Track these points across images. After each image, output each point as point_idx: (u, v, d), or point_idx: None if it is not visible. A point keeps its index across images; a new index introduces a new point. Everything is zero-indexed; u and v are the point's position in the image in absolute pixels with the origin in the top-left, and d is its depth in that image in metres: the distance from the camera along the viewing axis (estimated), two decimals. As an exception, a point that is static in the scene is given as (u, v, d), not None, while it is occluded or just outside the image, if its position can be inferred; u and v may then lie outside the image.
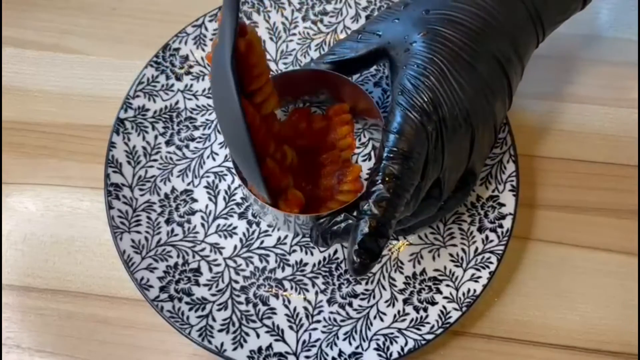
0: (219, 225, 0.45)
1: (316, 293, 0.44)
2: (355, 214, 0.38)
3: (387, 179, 0.35)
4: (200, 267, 0.44)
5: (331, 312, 0.43)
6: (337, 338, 0.42)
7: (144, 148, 0.47)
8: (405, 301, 0.43)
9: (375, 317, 0.43)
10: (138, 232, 0.45)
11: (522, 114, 0.50)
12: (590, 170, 0.48)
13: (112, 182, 0.45)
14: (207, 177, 0.47)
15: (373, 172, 0.36)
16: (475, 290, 0.43)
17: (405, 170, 0.35)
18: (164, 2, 0.54)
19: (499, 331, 0.44)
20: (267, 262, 0.44)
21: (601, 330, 0.43)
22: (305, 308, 0.43)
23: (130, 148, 0.47)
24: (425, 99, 0.36)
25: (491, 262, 0.43)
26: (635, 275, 0.45)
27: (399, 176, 0.35)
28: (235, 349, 0.42)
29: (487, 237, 0.44)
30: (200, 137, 0.48)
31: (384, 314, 0.43)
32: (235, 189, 0.46)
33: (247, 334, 0.42)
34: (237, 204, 0.46)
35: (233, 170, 0.41)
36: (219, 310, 0.43)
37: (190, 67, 0.50)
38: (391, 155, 0.35)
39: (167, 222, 0.45)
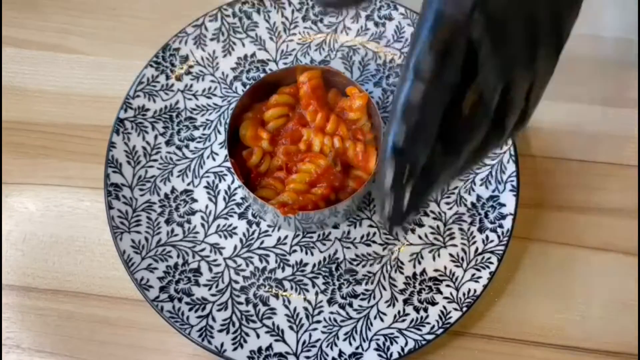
0: (219, 226, 0.45)
1: (316, 293, 0.44)
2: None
3: (417, 78, 0.27)
4: (200, 267, 0.44)
5: (331, 312, 0.43)
6: (337, 338, 0.42)
7: (144, 148, 0.47)
8: (405, 301, 0.43)
9: (375, 318, 0.43)
10: (138, 232, 0.44)
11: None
12: (590, 170, 0.48)
13: (112, 182, 0.45)
14: (207, 177, 0.47)
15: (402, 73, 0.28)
16: (475, 291, 0.43)
17: (439, 72, 0.27)
18: (164, 2, 0.54)
19: (499, 331, 0.44)
20: (267, 262, 0.44)
21: (601, 330, 0.43)
22: (305, 308, 0.43)
23: (130, 148, 0.47)
24: None
25: (491, 262, 0.43)
26: (635, 275, 0.45)
27: (431, 80, 0.27)
28: (235, 349, 0.42)
29: (487, 237, 0.44)
30: (200, 137, 0.48)
31: (384, 314, 0.43)
32: (235, 189, 0.46)
33: (247, 334, 0.42)
34: (237, 204, 0.46)
35: (233, 170, 0.41)
36: (219, 310, 0.43)
37: (190, 67, 0.50)
38: (426, 48, 0.27)
39: (167, 222, 0.45)
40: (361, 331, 0.42)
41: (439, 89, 0.28)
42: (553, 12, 0.29)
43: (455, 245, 0.44)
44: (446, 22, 0.27)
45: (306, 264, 0.44)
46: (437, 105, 0.28)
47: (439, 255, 0.44)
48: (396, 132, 0.28)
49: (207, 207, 0.46)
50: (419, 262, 0.44)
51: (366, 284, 0.44)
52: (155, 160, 0.47)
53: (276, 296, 0.44)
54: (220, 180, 0.47)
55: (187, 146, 0.48)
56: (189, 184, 0.47)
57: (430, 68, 0.27)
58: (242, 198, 0.46)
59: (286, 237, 0.45)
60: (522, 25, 0.28)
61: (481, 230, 0.45)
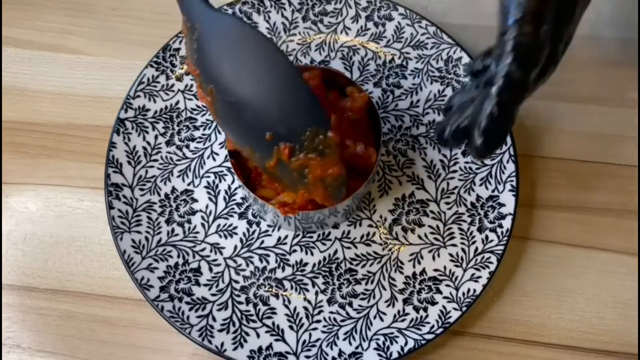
0: (219, 225, 0.45)
1: (316, 293, 0.44)
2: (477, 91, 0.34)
3: (519, 46, 0.31)
4: (200, 267, 0.44)
5: (331, 312, 0.43)
6: (337, 338, 0.42)
7: (145, 148, 0.47)
8: (405, 301, 0.43)
9: (375, 317, 0.43)
10: (138, 232, 0.45)
11: (522, 114, 0.50)
12: (590, 170, 0.48)
13: (113, 182, 0.45)
14: (208, 177, 0.47)
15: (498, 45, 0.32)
16: (475, 290, 0.43)
17: (537, 33, 0.31)
18: (164, 2, 0.54)
19: (498, 331, 0.44)
20: (267, 262, 0.44)
21: (601, 330, 0.43)
22: (305, 308, 0.43)
23: (131, 148, 0.47)
24: None
25: (491, 262, 0.43)
26: (635, 275, 0.45)
27: (530, 44, 0.31)
28: (235, 348, 0.42)
29: (487, 237, 0.44)
30: (200, 137, 0.48)
31: (384, 313, 0.43)
32: (236, 189, 0.46)
33: (247, 334, 0.42)
34: (238, 204, 0.46)
35: (233, 170, 0.41)
36: (219, 310, 0.43)
37: (191, 67, 0.50)
38: (522, 16, 0.31)
39: (168, 222, 0.45)
40: (361, 331, 0.42)
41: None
42: None
43: (455, 245, 0.44)
44: None
45: (306, 264, 0.44)
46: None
47: (438, 255, 0.44)
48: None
49: (207, 207, 0.46)
50: (419, 262, 0.44)
51: (366, 283, 0.44)
52: (155, 160, 0.47)
53: (276, 296, 0.44)
54: (220, 180, 0.47)
55: (187, 146, 0.48)
56: (189, 184, 0.47)
57: None
58: (242, 198, 0.46)
59: (286, 237, 0.45)
60: None
61: (481, 230, 0.45)
